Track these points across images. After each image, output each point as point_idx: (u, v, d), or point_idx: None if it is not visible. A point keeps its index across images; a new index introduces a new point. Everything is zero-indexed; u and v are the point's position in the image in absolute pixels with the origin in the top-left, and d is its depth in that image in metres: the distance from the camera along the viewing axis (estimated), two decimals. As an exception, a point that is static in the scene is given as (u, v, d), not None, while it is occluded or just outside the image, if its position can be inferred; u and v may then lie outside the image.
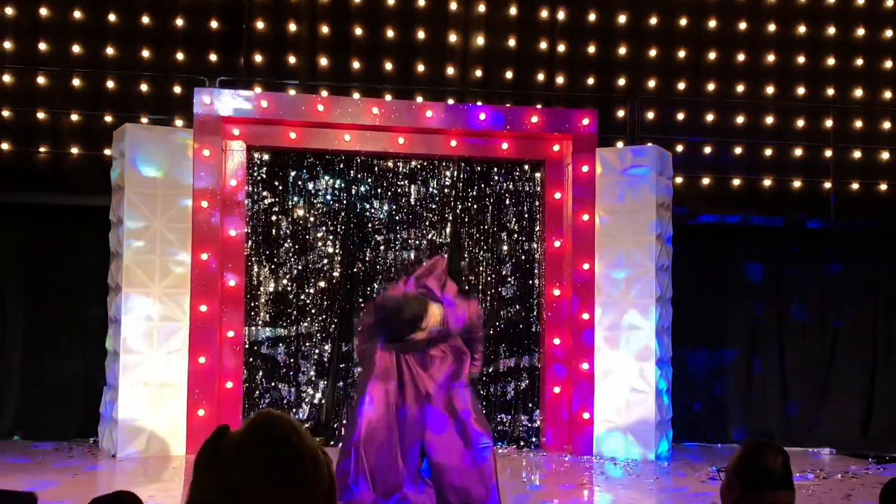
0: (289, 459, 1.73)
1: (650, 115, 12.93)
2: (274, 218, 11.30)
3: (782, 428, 12.42)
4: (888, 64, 13.55)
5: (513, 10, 13.07)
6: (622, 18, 13.23)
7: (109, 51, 12.26)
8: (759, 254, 12.83)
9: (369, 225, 11.49)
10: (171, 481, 8.96)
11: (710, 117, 13.09)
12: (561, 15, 13.17)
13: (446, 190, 11.58)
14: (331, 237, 11.42)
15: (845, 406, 12.62)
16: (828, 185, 12.82)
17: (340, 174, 11.44)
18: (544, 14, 13.15)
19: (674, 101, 13.11)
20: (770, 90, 13.31)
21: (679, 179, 12.35)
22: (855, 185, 13.01)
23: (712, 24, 13.38)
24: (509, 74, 13.04)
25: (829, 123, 13.07)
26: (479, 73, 12.98)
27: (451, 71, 12.92)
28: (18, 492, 1.67)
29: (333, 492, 1.80)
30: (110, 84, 12.14)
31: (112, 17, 12.33)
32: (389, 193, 11.51)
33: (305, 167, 11.38)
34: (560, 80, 13.09)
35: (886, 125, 13.37)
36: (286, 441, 1.74)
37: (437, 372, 7.26)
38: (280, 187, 11.32)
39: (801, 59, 13.42)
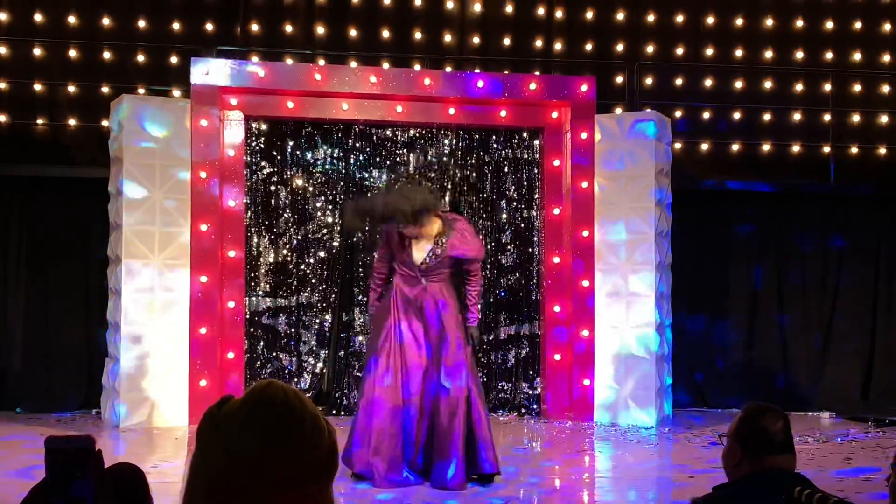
0: (290, 422, 1.75)
1: (649, 80, 12.87)
2: (273, 188, 11.28)
3: (782, 392, 12.45)
4: (887, 27, 13.49)
5: (510, -23, 13.00)
6: (620, -17, 13.15)
7: (106, 21, 12.19)
8: (759, 219, 12.81)
9: (368, 194, 11.47)
10: (174, 452, 9.00)
11: (708, 83, 13.03)
12: (559, -20, 13.10)
13: (445, 158, 11.55)
14: (330, 207, 11.40)
15: (845, 370, 12.66)
16: (827, 149, 12.80)
17: (338, 143, 11.41)
18: (542, -20, 13.07)
19: (672, 67, 13.06)
20: (769, 55, 13.25)
21: (678, 145, 12.33)
22: (854, 149, 12.99)
23: (711, -13, 13.31)
24: (507, 41, 12.97)
25: (827, 87, 13.03)
26: (476, 40, 12.91)
27: (448, 38, 12.86)
28: (76, 435, 1.72)
29: (334, 457, 1.82)
30: (107, 55, 12.08)
31: (107, -12, 12.27)
32: (388, 162, 11.48)
33: (303, 137, 11.34)
34: (558, 46, 13.02)
35: (885, 88, 13.33)
36: (287, 404, 1.77)
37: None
38: (278, 157, 11.29)
39: (799, 23, 13.35)
